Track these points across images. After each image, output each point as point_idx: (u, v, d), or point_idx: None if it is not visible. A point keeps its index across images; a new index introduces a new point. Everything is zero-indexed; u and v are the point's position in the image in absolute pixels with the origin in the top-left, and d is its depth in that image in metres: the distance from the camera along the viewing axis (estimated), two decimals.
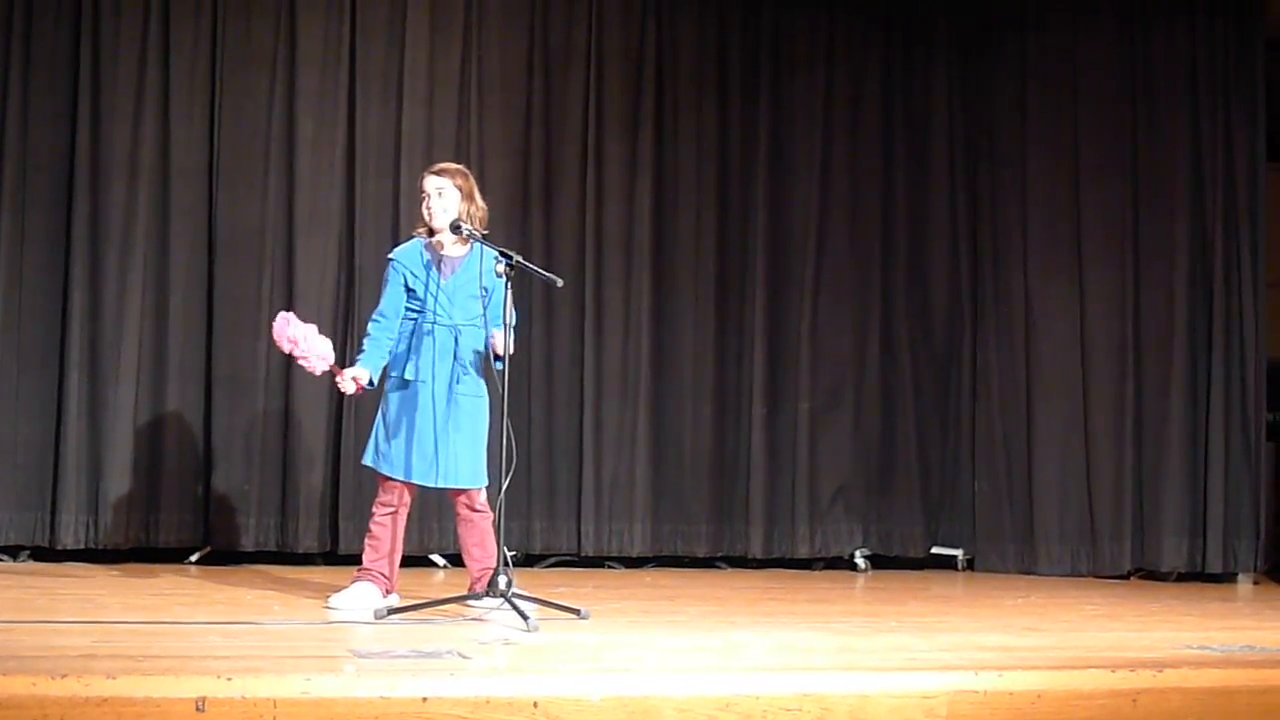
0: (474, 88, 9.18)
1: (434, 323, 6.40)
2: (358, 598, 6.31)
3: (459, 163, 8.75)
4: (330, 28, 8.98)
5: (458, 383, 6.39)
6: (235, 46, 8.88)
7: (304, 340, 6.32)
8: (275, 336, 6.37)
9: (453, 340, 6.40)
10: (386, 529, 6.43)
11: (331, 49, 8.98)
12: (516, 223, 9.13)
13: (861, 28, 9.87)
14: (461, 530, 6.53)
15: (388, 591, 6.40)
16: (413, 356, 6.42)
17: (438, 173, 6.57)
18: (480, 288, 6.34)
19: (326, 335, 8.66)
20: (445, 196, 6.49)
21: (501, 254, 6.11)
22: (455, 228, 6.37)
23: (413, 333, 6.46)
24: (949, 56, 9.99)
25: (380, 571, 6.40)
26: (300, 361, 6.38)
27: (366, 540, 6.49)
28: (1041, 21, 9.72)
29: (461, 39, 9.18)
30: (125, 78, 8.71)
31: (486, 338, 6.29)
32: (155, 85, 8.76)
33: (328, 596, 6.45)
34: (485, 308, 6.28)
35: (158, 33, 8.77)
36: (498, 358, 6.30)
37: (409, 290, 6.47)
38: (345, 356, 8.78)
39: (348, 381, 6.42)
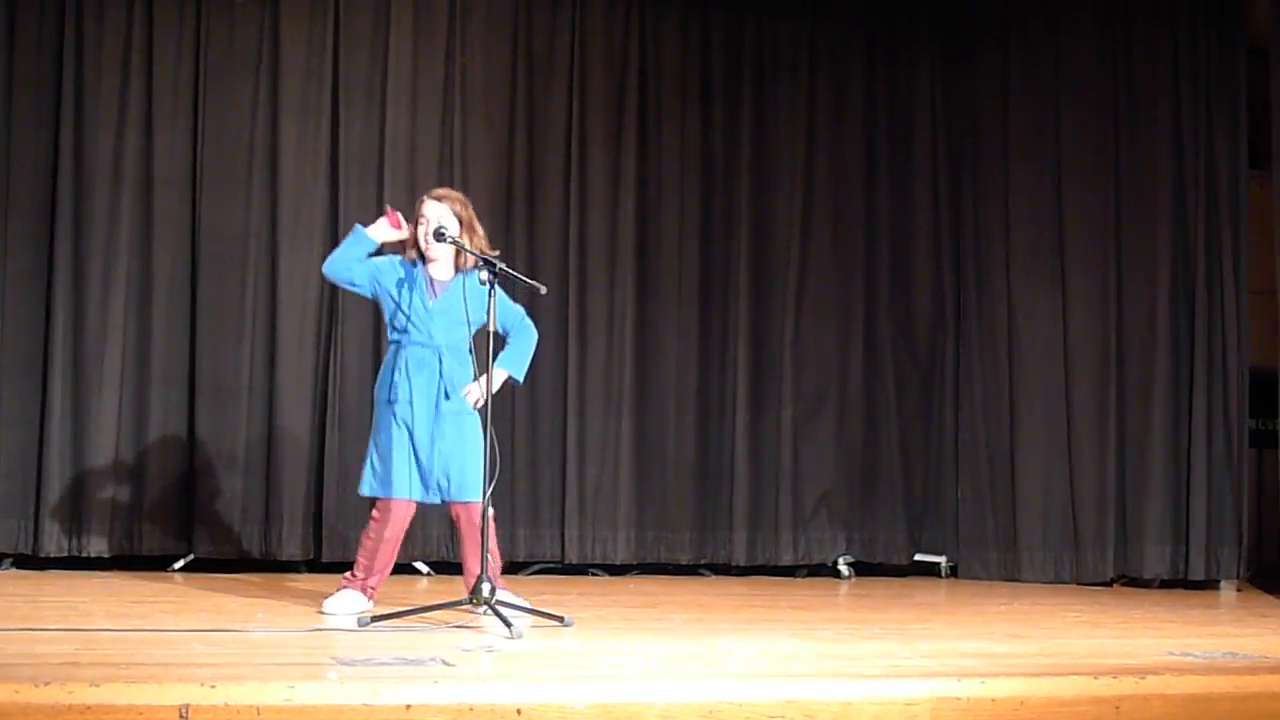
0: (457, 96, 9.18)
1: (420, 344, 6.38)
2: (348, 604, 6.33)
3: (444, 170, 8.83)
4: (314, 36, 8.99)
5: (446, 401, 6.38)
6: (219, 54, 8.88)
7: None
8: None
9: (437, 361, 6.39)
10: (385, 552, 6.42)
11: (315, 57, 8.99)
12: (500, 230, 9.12)
13: (844, 36, 9.89)
14: (466, 547, 6.48)
15: (369, 600, 6.42)
16: (400, 379, 6.39)
17: (439, 199, 6.49)
18: (465, 314, 6.29)
19: (309, 345, 8.81)
20: (444, 224, 6.44)
21: (485, 262, 6.10)
22: (439, 235, 6.34)
23: (398, 355, 6.43)
24: (932, 64, 10.02)
25: (371, 585, 6.43)
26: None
27: (360, 556, 6.47)
28: (1024, 29, 9.74)
29: (445, 47, 9.19)
30: (108, 86, 8.72)
31: (493, 362, 6.33)
32: (138, 93, 8.76)
33: (321, 602, 6.44)
34: (490, 324, 6.24)
35: (141, 41, 8.77)
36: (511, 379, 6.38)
37: (388, 306, 6.45)
38: (329, 369, 8.81)
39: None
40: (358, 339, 8.83)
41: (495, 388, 6.32)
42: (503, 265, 6.13)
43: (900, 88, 9.99)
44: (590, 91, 9.44)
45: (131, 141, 8.74)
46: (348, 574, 6.52)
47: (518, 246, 9.19)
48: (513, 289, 6.51)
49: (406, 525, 6.50)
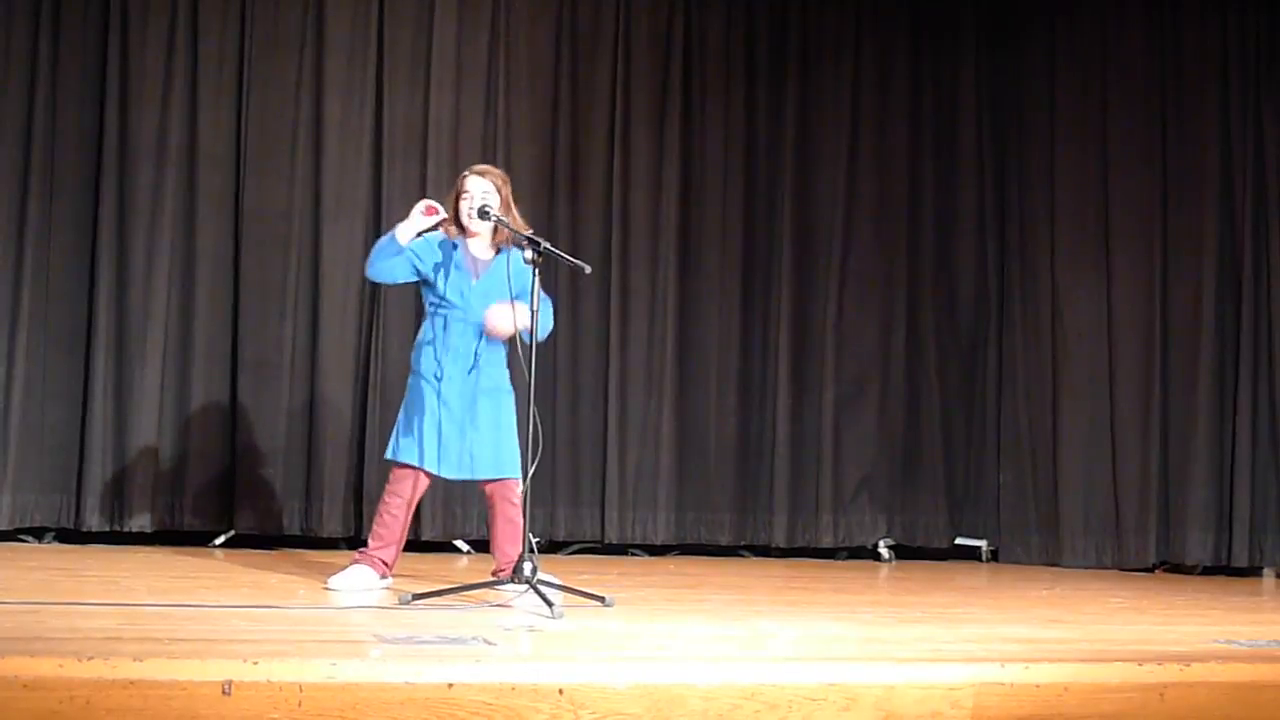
0: (502, 73, 9.18)
1: (461, 320, 6.38)
2: (356, 579, 6.34)
3: (488, 149, 8.83)
4: (358, 13, 9.00)
5: (481, 379, 6.38)
6: (263, 31, 8.90)
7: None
8: None
9: (476, 338, 6.39)
10: (398, 520, 6.43)
11: (360, 34, 9.00)
12: (543, 209, 9.13)
13: (889, 16, 9.85)
14: (495, 524, 6.50)
15: (383, 576, 6.44)
16: (438, 352, 6.40)
17: (481, 174, 6.46)
18: (509, 292, 6.29)
19: (351, 322, 8.83)
20: (488, 200, 6.42)
21: (529, 241, 6.08)
22: (483, 213, 6.33)
23: (437, 327, 6.43)
24: (977, 45, 9.96)
25: (381, 559, 6.43)
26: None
27: (375, 526, 6.48)
28: (1070, 10, 9.67)
29: (490, 25, 9.18)
30: (154, 62, 8.74)
31: (522, 332, 6.27)
32: (183, 70, 8.79)
33: (327, 578, 6.46)
34: (534, 303, 6.21)
35: (186, 17, 8.80)
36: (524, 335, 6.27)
37: (430, 284, 6.43)
38: (371, 347, 8.82)
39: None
40: (399, 316, 8.83)
41: (514, 326, 6.19)
42: (547, 244, 6.10)
43: (945, 69, 9.93)
44: (634, 69, 9.42)
45: (176, 118, 8.76)
46: (360, 550, 6.52)
47: (561, 225, 9.18)
48: (556, 268, 6.49)
49: (419, 495, 6.49)
